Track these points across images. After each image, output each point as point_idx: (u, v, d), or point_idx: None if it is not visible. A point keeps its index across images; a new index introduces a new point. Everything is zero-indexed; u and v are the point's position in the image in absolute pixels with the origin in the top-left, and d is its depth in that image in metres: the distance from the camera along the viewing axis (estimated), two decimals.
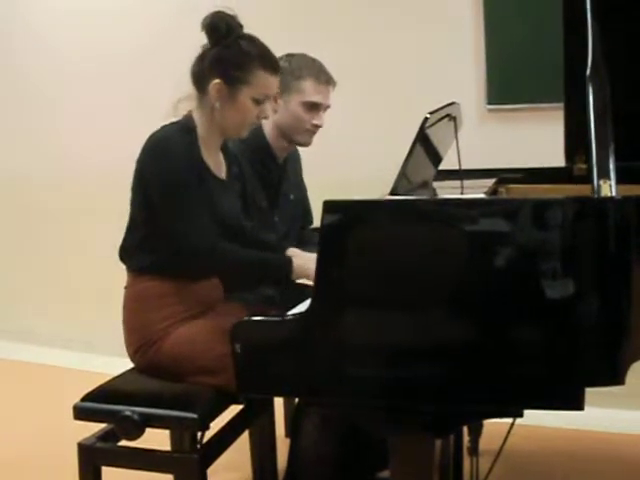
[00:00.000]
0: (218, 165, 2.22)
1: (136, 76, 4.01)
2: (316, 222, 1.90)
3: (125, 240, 2.20)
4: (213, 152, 2.20)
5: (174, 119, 2.16)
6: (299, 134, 2.60)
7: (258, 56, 2.10)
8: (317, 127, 2.59)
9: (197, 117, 2.16)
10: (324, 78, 2.55)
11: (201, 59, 2.13)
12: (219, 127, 2.16)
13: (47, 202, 4.45)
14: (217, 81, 2.09)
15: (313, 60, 2.57)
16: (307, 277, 2.03)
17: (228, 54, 2.09)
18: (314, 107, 2.55)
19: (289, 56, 2.56)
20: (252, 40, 2.13)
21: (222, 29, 2.08)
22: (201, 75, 2.13)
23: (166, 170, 2.05)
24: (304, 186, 2.88)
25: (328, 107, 2.60)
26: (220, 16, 2.09)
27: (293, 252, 2.26)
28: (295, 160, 2.82)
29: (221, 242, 2.09)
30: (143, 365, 2.14)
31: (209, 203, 2.11)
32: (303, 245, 2.55)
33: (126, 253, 2.20)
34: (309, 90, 2.53)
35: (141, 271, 2.14)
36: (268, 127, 2.60)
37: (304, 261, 2.09)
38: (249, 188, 2.49)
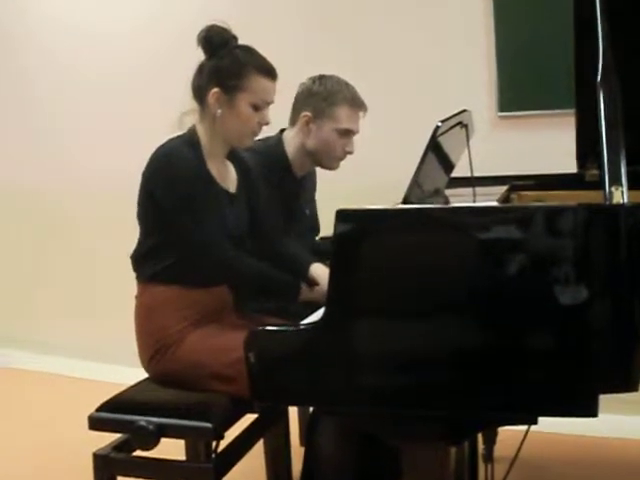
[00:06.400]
0: (223, 177, 2.25)
1: (153, 91, 4.03)
2: (327, 231, 1.90)
3: (136, 251, 2.23)
4: (218, 163, 2.24)
5: (180, 132, 2.21)
6: (330, 160, 2.58)
7: (253, 63, 2.17)
8: (348, 153, 2.57)
9: (200, 130, 2.21)
10: (358, 104, 2.53)
11: (199, 72, 2.21)
12: (221, 136, 2.21)
13: (64, 215, 4.48)
14: (215, 90, 2.15)
15: (347, 84, 2.53)
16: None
17: (224, 64, 2.16)
18: (347, 133, 2.53)
19: (321, 78, 2.53)
20: (247, 49, 2.20)
21: (216, 41, 2.16)
22: (200, 87, 2.19)
23: (177, 182, 2.10)
24: (315, 200, 2.87)
25: (357, 132, 2.57)
26: (214, 29, 2.17)
27: (316, 268, 2.29)
28: (312, 176, 2.80)
29: (235, 251, 2.15)
30: (158, 373, 2.15)
31: (220, 212, 2.16)
32: (313, 256, 2.55)
33: (136, 263, 2.23)
34: (343, 117, 2.51)
35: (151, 278, 2.17)
36: (291, 145, 2.58)
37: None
38: (262, 201, 2.39)
